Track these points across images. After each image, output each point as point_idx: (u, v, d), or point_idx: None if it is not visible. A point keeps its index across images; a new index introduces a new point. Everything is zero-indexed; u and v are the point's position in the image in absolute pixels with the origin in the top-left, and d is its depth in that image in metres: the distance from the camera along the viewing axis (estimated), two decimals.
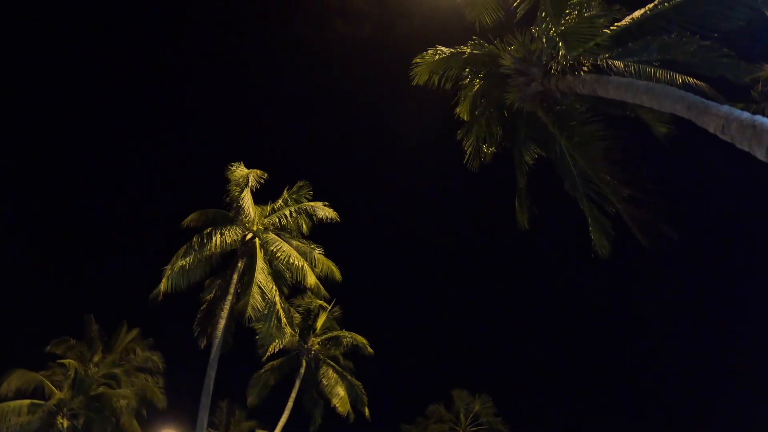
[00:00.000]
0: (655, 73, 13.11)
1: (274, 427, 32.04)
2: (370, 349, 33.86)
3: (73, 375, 34.04)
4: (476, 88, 16.26)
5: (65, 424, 33.11)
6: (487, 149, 17.17)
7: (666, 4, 13.76)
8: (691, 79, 13.11)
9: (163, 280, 23.67)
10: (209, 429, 38.45)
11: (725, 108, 9.57)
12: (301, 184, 27.33)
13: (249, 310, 23.30)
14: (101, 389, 34.78)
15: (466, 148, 17.29)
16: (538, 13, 13.68)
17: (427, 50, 16.07)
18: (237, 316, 24.51)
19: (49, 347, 34.77)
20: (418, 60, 16.23)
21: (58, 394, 33.60)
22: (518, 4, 14.09)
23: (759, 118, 8.92)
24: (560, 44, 13.27)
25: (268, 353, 24.54)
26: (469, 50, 15.71)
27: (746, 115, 9.17)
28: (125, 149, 64.71)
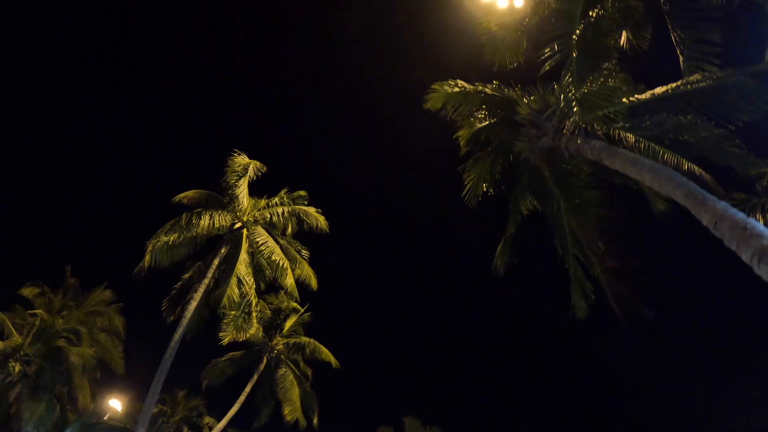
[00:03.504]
0: (663, 155, 13.22)
1: (222, 416, 31.98)
2: (335, 363, 33.71)
3: (38, 322, 33.80)
4: (484, 124, 16.39)
5: (17, 368, 32.78)
6: (486, 189, 17.25)
7: (688, 86, 13.95)
8: (697, 169, 13.20)
9: (147, 255, 23.72)
10: (159, 404, 38.37)
11: (721, 204, 9.61)
12: (302, 192, 27.51)
13: (225, 300, 23.33)
14: (61, 342, 34.46)
15: (466, 183, 17.39)
16: (562, 73, 13.79)
17: (438, 72, 16.31)
18: (212, 303, 24.50)
19: (22, 289, 34.57)
20: (436, 86, 16.35)
21: (16, 338, 33.27)
22: (545, 57, 14.21)
23: (752, 221, 8.95)
24: (576, 107, 13.35)
25: (226, 341, 24.38)
26: (488, 90, 15.85)
27: (740, 215, 9.20)
28: (133, 120, 64.29)
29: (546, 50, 13.88)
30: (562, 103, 14.12)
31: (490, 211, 18.05)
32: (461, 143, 17.18)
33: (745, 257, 8.81)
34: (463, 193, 17.32)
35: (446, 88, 16.30)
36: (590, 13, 13.86)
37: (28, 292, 34.58)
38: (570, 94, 13.41)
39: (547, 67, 13.92)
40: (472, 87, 16.06)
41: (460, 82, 16.05)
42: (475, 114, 16.68)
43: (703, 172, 13.21)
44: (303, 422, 32.96)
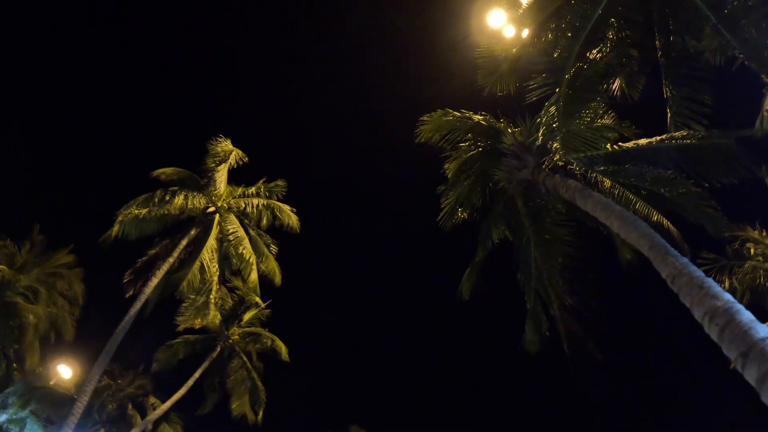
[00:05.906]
0: (635, 203, 13.27)
1: (168, 398, 31.59)
2: (286, 357, 33.40)
3: None
4: (470, 154, 16.41)
5: None
6: (461, 214, 17.27)
7: (673, 142, 14.04)
8: (665, 221, 13.25)
9: (115, 226, 23.53)
10: (108, 379, 37.87)
11: (682, 260, 9.63)
12: (280, 182, 27.37)
13: (184, 283, 23.17)
14: (18, 299, 33.87)
15: (443, 206, 17.42)
16: (546, 104, 13.82)
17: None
18: (171, 285, 24.28)
19: None
20: (425, 118, 16.40)
21: None
22: (535, 90, 14.15)
23: (709, 281, 8.98)
24: (559, 144, 13.42)
25: (182, 326, 24.22)
26: (477, 119, 15.90)
27: (699, 273, 9.21)
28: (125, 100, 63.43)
29: (537, 83, 13.84)
30: (546, 138, 14.20)
31: (465, 233, 18.08)
32: (449, 175, 17.20)
33: (697, 315, 8.82)
34: (439, 216, 17.37)
35: (435, 117, 16.34)
36: (587, 54, 13.95)
37: None
38: (554, 125, 13.47)
39: (534, 98, 13.89)
40: (459, 115, 16.12)
41: (449, 111, 16.09)
42: (461, 144, 16.72)
43: (671, 226, 13.26)
44: (251, 417, 32.59)
